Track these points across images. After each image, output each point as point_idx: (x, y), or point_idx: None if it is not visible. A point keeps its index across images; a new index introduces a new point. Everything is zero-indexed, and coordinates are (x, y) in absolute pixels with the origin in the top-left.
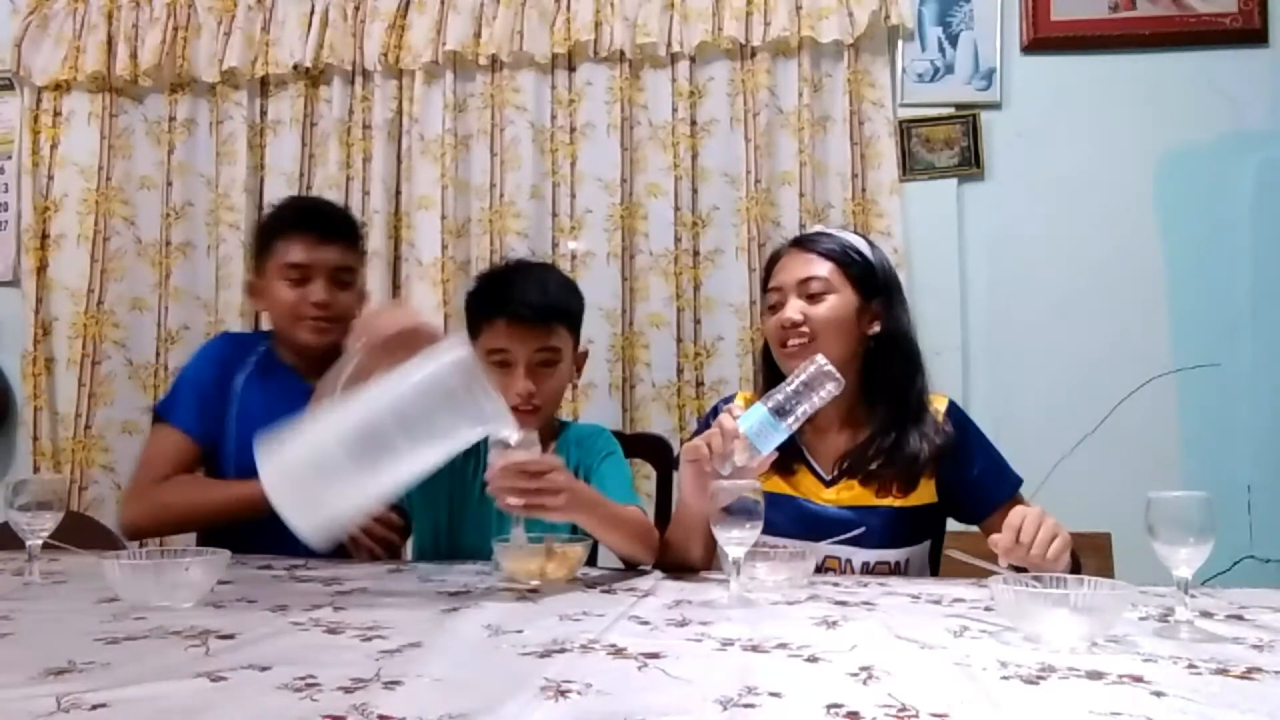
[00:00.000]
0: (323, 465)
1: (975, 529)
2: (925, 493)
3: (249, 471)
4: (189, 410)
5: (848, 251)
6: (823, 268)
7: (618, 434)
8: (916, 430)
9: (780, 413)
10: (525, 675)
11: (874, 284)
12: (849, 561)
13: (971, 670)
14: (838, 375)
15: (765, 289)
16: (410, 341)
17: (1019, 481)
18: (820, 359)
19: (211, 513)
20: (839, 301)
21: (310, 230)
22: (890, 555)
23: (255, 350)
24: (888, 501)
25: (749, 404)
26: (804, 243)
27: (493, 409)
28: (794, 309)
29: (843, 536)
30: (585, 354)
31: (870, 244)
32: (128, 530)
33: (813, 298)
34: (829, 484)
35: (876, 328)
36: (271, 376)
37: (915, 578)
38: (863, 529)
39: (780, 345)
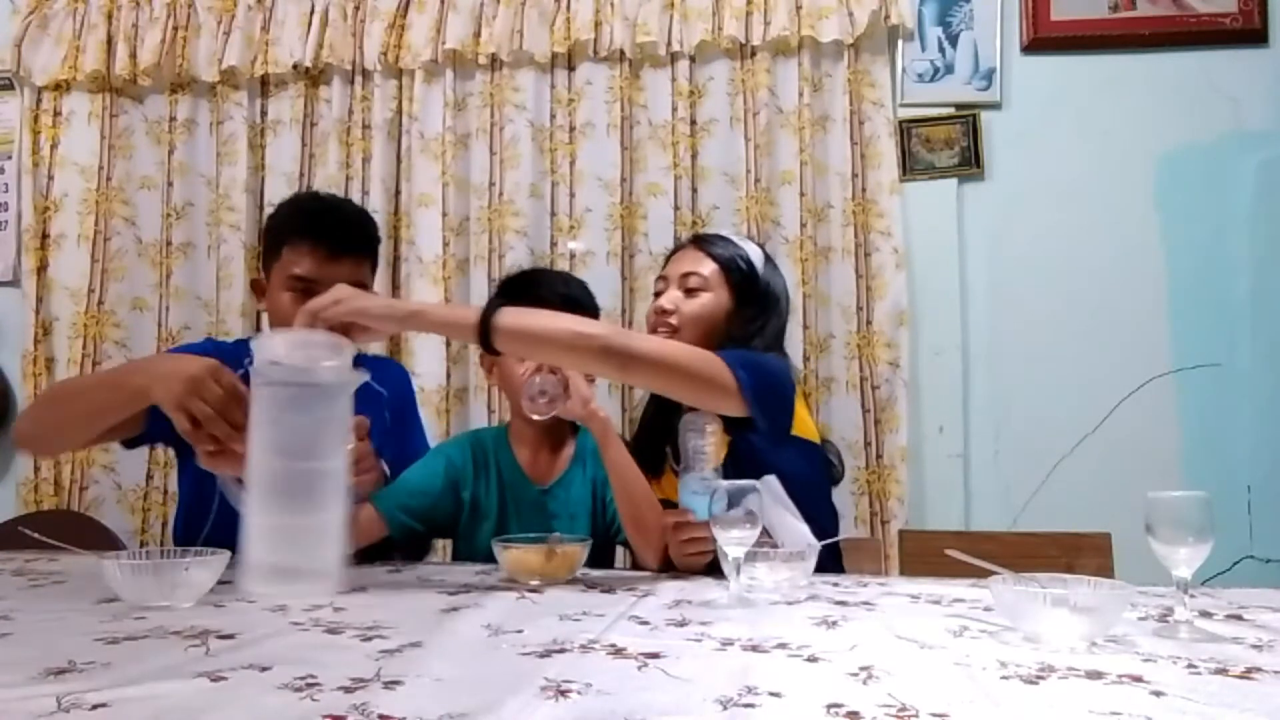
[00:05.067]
0: (284, 541)
1: (972, 529)
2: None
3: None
4: None
5: (735, 258)
6: (707, 267)
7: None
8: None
9: (703, 466)
10: (525, 675)
11: (752, 294)
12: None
13: (971, 670)
14: (702, 423)
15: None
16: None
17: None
18: (686, 419)
19: (100, 388)
20: (711, 300)
21: (323, 241)
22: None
23: (240, 363)
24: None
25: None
26: (699, 241)
27: (330, 375)
28: (669, 299)
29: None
30: None
31: (768, 260)
32: (18, 439)
33: (690, 292)
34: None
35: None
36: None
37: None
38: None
39: (650, 330)
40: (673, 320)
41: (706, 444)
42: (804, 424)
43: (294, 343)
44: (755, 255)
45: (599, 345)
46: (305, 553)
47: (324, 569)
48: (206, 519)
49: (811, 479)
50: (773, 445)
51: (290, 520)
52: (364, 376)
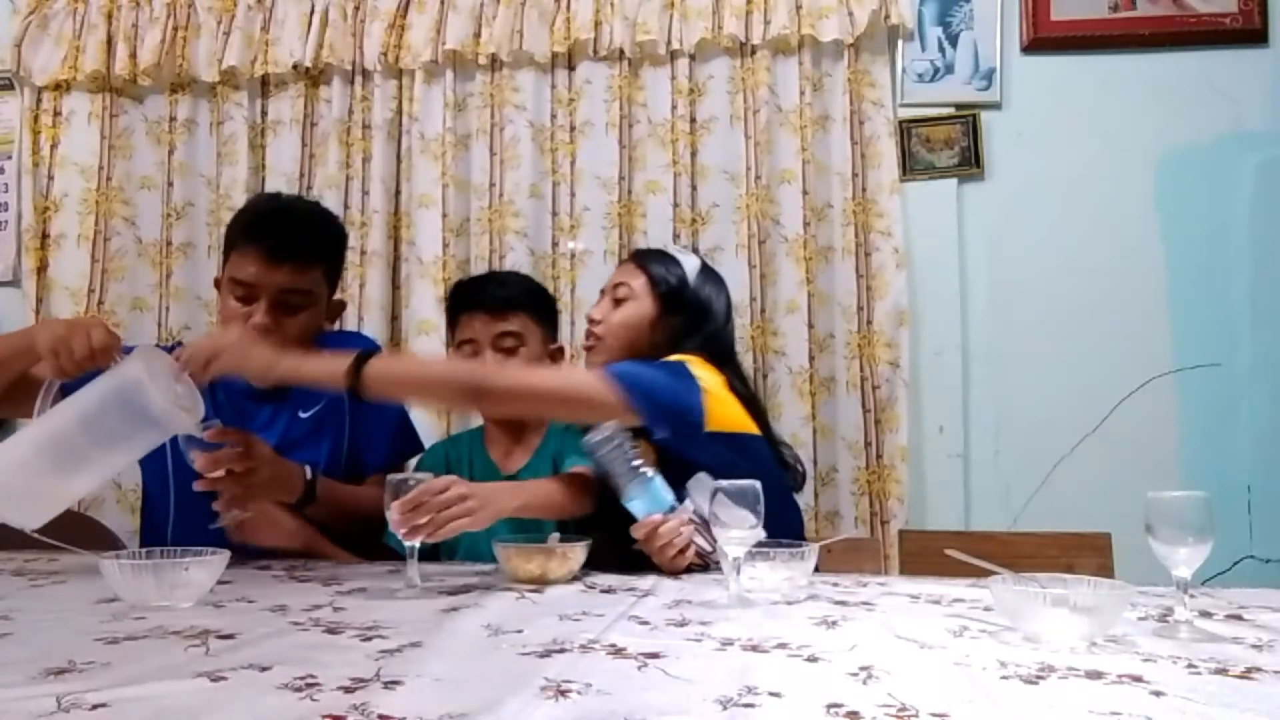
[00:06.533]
0: (24, 470)
1: (972, 529)
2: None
3: (188, 505)
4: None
5: (666, 272)
6: (636, 279)
7: None
8: None
9: (631, 472)
10: (525, 675)
11: (678, 304)
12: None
13: (971, 670)
14: (601, 435)
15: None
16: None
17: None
18: (583, 442)
19: None
20: (635, 309)
21: (263, 246)
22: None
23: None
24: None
25: None
26: (636, 256)
27: (163, 411)
28: (597, 309)
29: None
30: (560, 349)
31: (705, 272)
32: None
33: (618, 302)
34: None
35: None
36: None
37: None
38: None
39: (584, 338)
40: (598, 330)
41: (617, 453)
42: (725, 419)
43: (169, 370)
44: (690, 268)
45: (455, 386)
46: (34, 492)
47: (36, 511)
48: (166, 517)
49: (752, 473)
50: (690, 444)
51: (45, 467)
52: (184, 430)
